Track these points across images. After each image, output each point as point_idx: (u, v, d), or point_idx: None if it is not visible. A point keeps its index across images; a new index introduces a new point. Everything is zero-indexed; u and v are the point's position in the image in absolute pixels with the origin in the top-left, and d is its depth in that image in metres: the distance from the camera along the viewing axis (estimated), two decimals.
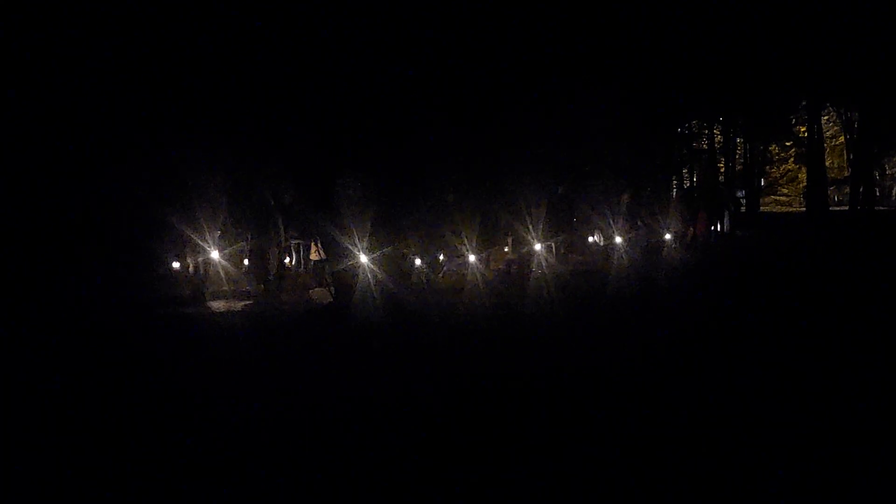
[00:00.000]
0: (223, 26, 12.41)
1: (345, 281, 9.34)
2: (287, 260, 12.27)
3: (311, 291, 11.01)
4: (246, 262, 11.45)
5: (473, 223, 11.34)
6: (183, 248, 11.11)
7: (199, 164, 11.39)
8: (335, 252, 9.74)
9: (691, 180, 34.72)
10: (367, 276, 9.27)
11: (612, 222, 14.05)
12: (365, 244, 9.50)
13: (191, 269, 11.11)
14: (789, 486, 3.40)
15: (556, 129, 14.05)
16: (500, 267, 13.06)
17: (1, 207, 11.21)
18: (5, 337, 7.53)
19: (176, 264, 11.05)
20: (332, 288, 10.01)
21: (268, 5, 10.80)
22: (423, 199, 10.89)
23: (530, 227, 11.92)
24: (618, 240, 14.18)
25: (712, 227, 18.31)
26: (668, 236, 15.80)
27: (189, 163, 11.42)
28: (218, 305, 10.10)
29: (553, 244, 13.52)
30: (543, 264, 12.20)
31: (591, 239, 15.80)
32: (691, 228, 16.93)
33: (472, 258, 11.35)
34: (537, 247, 12.31)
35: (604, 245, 15.00)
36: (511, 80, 14.51)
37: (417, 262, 11.16)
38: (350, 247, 9.66)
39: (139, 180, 11.57)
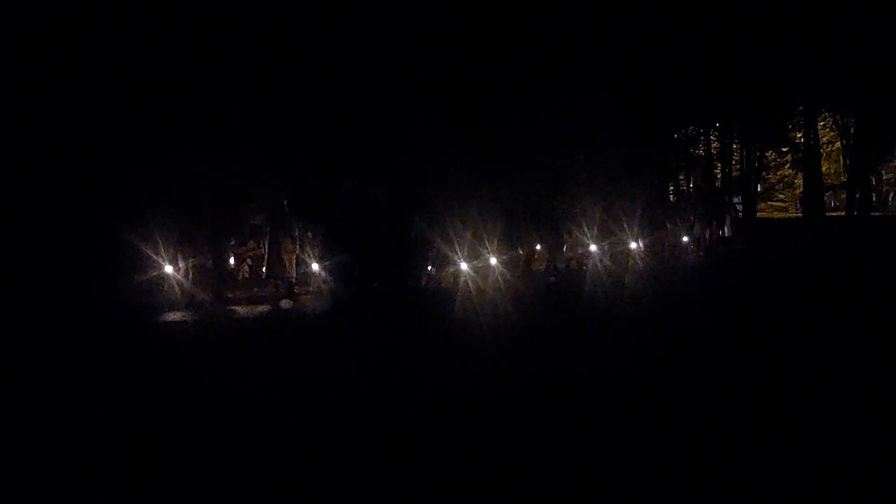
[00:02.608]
0: (225, 29, 12.28)
1: None
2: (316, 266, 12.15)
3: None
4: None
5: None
6: (185, 253, 10.94)
7: (201, 168, 11.25)
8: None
9: (687, 186, 34.75)
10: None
11: (635, 228, 14.05)
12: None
13: (181, 274, 10.95)
14: (788, 486, 3.40)
15: (555, 135, 14.01)
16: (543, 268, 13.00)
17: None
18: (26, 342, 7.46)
19: (169, 268, 10.87)
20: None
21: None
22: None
23: (586, 228, 12.06)
24: (634, 244, 14.16)
25: (720, 233, 18.54)
26: (685, 239, 15.96)
27: (190, 167, 11.27)
28: (236, 309, 10.15)
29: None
30: (599, 265, 12.31)
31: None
32: (705, 232, 17.16)
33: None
34: (592, 248, 12.43)
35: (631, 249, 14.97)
36: (506, 83, 14.47)
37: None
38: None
39: (137, 183, 11.42)
